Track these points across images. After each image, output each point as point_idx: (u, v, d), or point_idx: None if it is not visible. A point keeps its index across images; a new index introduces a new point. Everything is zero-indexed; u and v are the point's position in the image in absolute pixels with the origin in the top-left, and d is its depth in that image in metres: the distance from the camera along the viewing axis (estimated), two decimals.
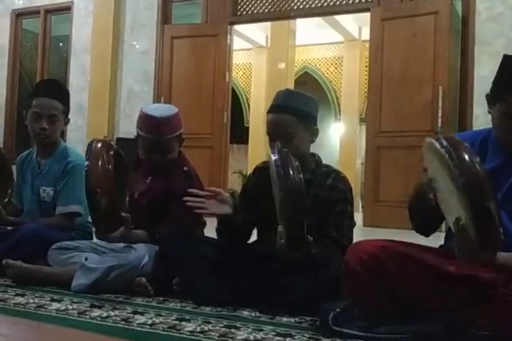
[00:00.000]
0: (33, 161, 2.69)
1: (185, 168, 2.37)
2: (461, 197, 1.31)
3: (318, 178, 2.11)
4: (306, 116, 2.06)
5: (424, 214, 1.65)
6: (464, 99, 5.18)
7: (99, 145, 2.10)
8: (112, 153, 2.09)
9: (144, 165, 2.46)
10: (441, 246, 1.77)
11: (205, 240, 2.19)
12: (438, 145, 1.37)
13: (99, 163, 2.03)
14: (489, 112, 1.61)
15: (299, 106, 2.05)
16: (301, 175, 1.75)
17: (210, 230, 2.22)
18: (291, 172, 1.73)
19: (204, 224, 2.45)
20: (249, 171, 2.30)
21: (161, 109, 2.34)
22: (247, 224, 2.16)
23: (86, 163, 2.03)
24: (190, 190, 2.09)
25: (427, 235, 1.75)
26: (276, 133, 2.05)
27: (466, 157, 1.33)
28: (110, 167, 2.04)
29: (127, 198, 2.26)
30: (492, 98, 1.58)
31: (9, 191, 2.57)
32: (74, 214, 2.54)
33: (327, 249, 1.99)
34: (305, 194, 1.75)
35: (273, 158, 1.79)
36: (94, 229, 2.16)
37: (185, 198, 2.04)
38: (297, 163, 1.78)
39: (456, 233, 1.39)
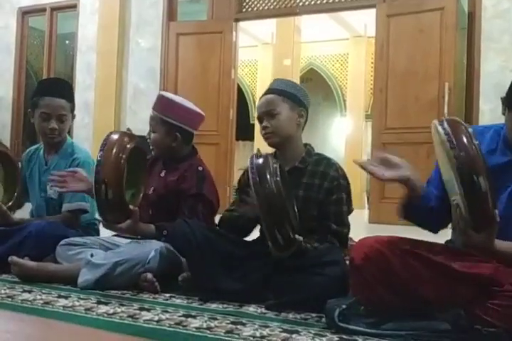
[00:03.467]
0: (40, 158, 2.69)
1: (199, 168, 2.39)
2: (455, 174, 1.35)
3: (309, 167, 2.13)
4: (290, 95, 2.16)
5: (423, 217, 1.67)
6: (470, 96, 5.15)
7: (117, 136, 2.08)
8: (129, 146, 2.05)
9: (160, 161, 2.48)
10: (447, 241, 1.77)
11: (216, 231, 2.18)
12: (439, 127, 1.42)
13: (113, 152, 2.00)
14: (503, 113, 1.60)
15: (283, 88, 2.17)
16: (279, 179, 1.75)
17: None
18: (267, 177, 1.74)
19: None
20: None
21: (183, 98, 2.44)
22: (245, 219, 2.15)
23: (100, 153, 2.00)
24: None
25: (435, 231, 1.75)
26: (261, 112, 2.17)
27: (464, 138, 1.37)
28: (124, 157, 2.00)
29: (141, 194, 2.26)
30: (507, 103, 1.57)
31: (15, 194, 2.56)
32: (80, 211, 2.55)
33: (327, 245, 1.98)
34: (283, 198, 1.74)
35: (249, 164, 1.80)
36: (101, 218, 2.14)
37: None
38: (276, 166, 1.79)
39: (453, 213, 1.43)
